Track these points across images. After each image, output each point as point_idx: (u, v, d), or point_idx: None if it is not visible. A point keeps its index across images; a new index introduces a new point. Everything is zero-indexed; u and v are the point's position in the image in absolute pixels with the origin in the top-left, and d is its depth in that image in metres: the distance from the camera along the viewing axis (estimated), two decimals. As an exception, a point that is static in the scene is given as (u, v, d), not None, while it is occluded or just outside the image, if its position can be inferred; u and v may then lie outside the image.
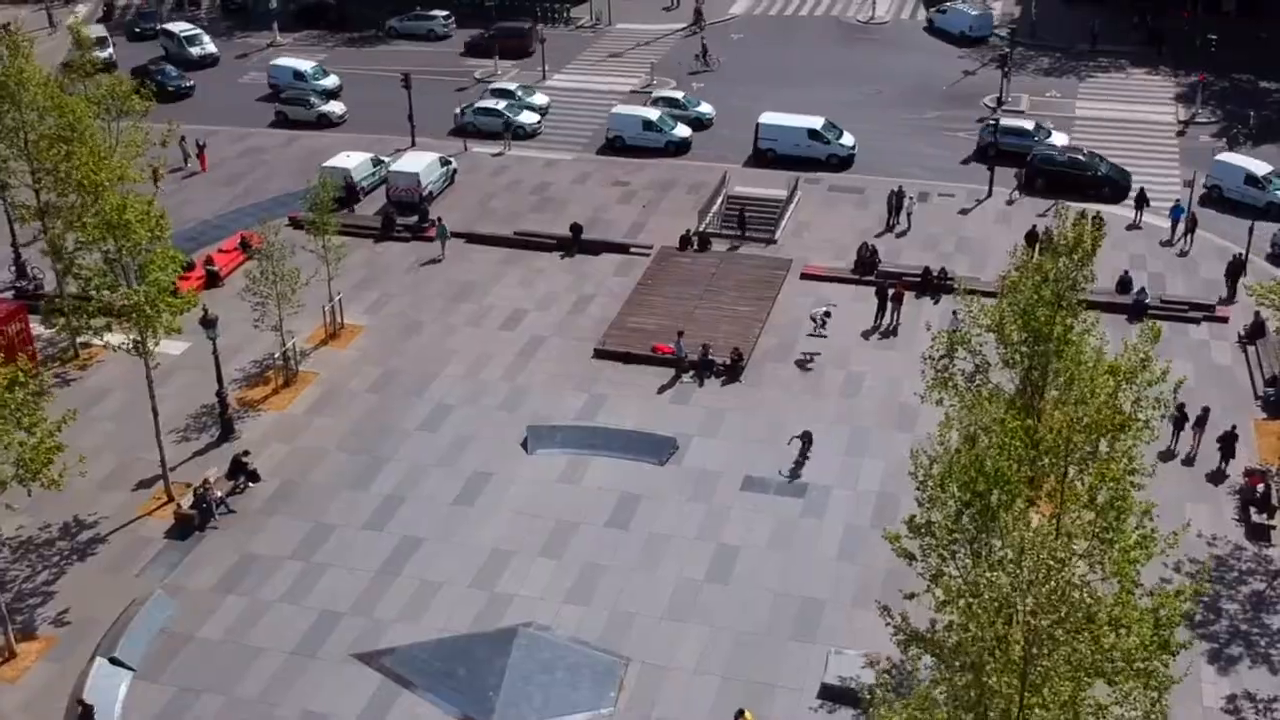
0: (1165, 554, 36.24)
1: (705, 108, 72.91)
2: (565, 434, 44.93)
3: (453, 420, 46.09)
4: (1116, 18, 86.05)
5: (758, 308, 52.90)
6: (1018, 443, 26.39)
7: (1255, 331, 49.49)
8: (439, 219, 59.75)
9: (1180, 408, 42.48)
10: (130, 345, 40.57)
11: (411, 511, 41.32)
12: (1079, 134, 69.91)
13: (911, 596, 27.17)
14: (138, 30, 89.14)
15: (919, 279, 53.95)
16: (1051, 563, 22.49)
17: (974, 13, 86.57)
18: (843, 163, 65.99)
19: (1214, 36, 75.24)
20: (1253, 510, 40.37)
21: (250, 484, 42.46)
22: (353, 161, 63.67)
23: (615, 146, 68.75)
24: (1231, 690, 34.55)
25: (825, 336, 50.61)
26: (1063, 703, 23.11)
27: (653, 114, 69.11)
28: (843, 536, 40.04)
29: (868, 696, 26.65)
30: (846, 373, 48.65)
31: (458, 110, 72.44)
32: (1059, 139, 66.70)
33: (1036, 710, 22.86)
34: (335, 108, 74.02)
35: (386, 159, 65.47)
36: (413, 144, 69.11)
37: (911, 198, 60.47)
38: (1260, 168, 61.66)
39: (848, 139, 66.81)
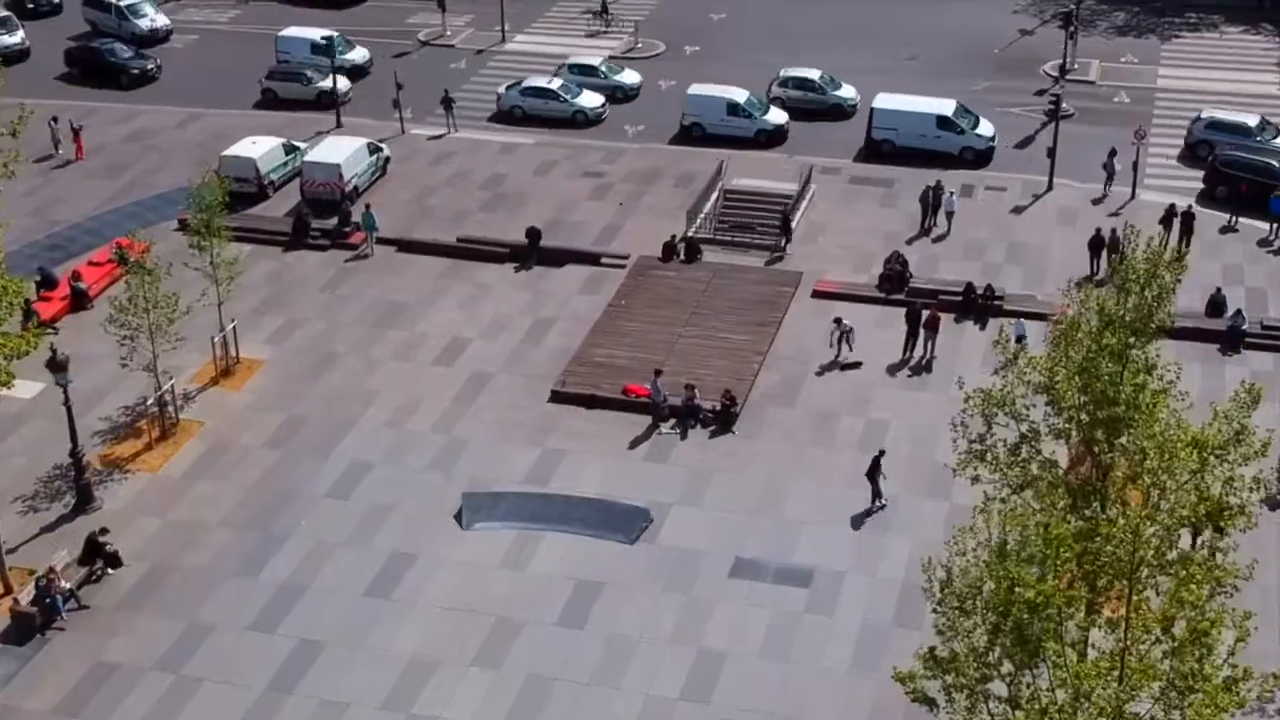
0: (1263, 651, 34.25)
1: (628, 76, 71.61)
2: (510, 503, 42.78)
3: (370, 484, 43.94)
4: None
5: (757, 336, 50.81)
6: (1066, 554, 24.14)
7: (1381, 367, 47.31)
8: (367, 206, 58.26)
9: None
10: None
11: (311, 606, 39.09)
12: (1162, 110, 67.85)
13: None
14: (31, 4, 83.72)
15: (959, 298, 51.84)
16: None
17: None
18: (979, 158, 63.60)
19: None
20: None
21: (109, 570, 40.30)
22: (259, 149, 61.73)
23: (693, 136, 66.35)
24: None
25: (856, 364, 49.09)
26: None
27: (740, 95, 66.54)
28: (858, 639, 37.82)
29: None
30: (866, 420, 46.51)
31: (501, 89, 70.39)
32: None
33: None
34: (341, 84, 70.44)
35: (303, 145, 63.42)
36: (339, 125, 67.20)
37: (952, 193, 58.54)
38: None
39: (985, 128, 64.40)
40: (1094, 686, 23.21)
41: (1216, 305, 51.05)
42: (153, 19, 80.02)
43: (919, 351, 49.59)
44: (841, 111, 68.62)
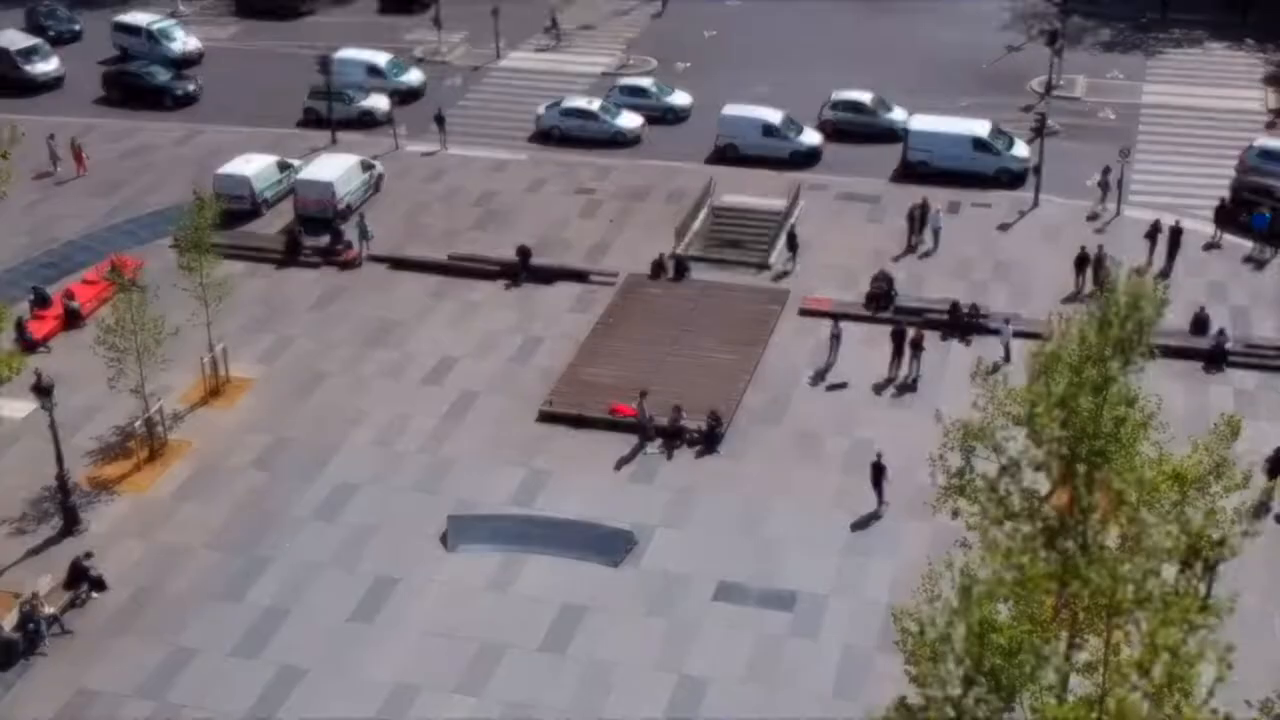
0: (1246, 680, 33.06)
1: (679, 98, 69.81)
2: (495, 526, 41.58)
3: (356, 506, 42.80)
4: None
5: (744, 355, 49.62)
6: (1042, 599, 23.00)
7: (1363, 386, 46.18)
8: (361, 216, 57.45)
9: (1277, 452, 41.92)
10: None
11: (294, 632, 37.92)
12: (1147, 126, 66.71)
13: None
14: (52, 33, 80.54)
15: (946, 316, 50.71)
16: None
17: None
18: (1014, 179, 61.80)
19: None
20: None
21: (95, 593, 39.20)
22: (253, 167, 60.58)
23: (727, 157, 64.57)
24: None
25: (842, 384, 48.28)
26: None
27: (775, 116, 64.94)
28: (840, 664, 36.66)
29: None
30: (851, 439, 45.32)
31: (540, 110, 68.76)
32: None
33: None
34: (380, 103, 69.60)
35: (297, 163, 62.29)
36: (333, 141, 66.13)
37: (938, 210, 57.35)
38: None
39: (1020, 149, 62.55)
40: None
41: (1201, 323, 49.89)
42: (184, 42, 78.31)
43: (904, 370, 48.44)
44: (894, 134, 65.70)
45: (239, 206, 58.46)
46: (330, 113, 67.16)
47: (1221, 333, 49.12)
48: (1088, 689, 23.40)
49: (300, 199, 59.50)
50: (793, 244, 55.89)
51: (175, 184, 62.26)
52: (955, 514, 29.68)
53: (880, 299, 52.03)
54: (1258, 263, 54.97)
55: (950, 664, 22.72)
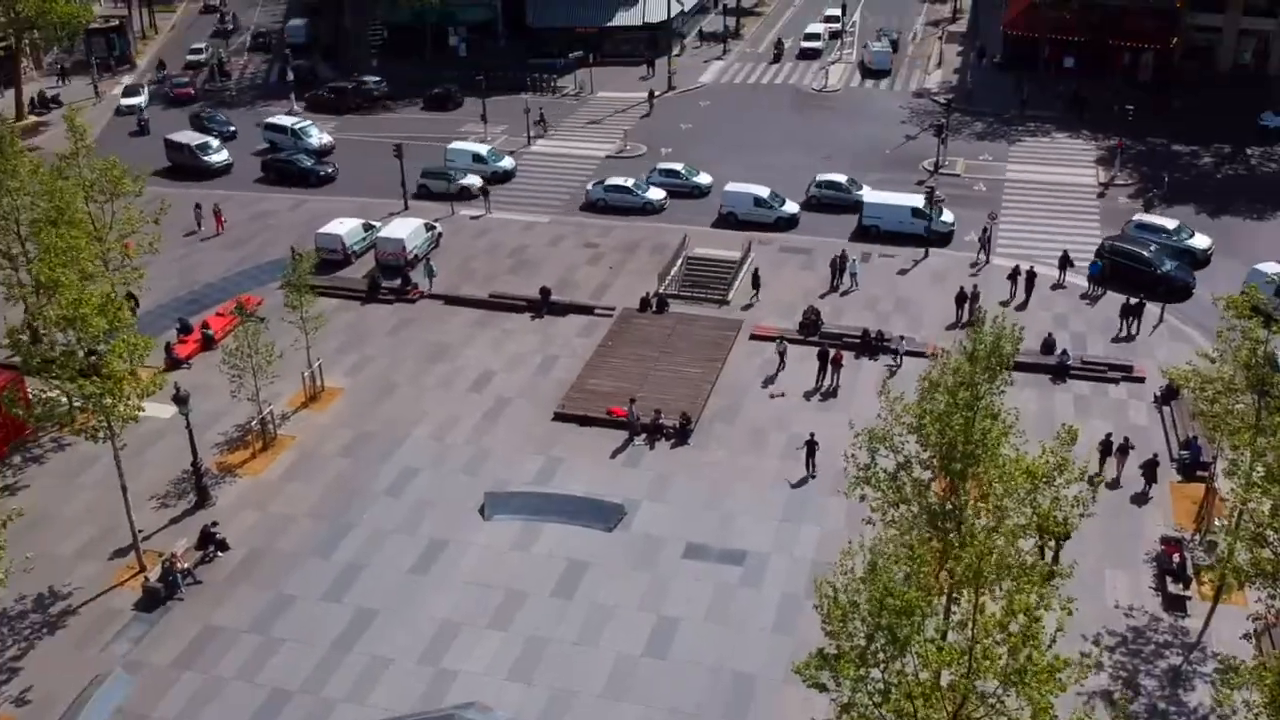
0: (1084, 624, 32.19)
1: (702, 178, 67.74)
2: (520, 500, 40.64)
3: (416, 484, 41.88)
4: (1045, 83, 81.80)
5: (708, 369, 48.61)
6: (926, 570, 22.11)
7: (1169, 394, 45.16)
8: (428, 259, 56.30)
9: (1107, 437, 41.11)
10: (90, 433, 36.40)
11: (369, 581, 37.09)
12: (1009, 196, 65.64)
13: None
14: (214, 132, 77.44)
15: (858, 340, 49.74)
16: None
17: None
18: (942, 239, 59.36)
19: (1131, 106, 70.73)
20: (1169, 580, 35.97)
21: (220, 553, 38.31)
22: (345, 228, 59.49)
23: (728, 222, 62.05)
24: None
25: (780, 394, 46.75)
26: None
27: (763, 191, 62.80)
28: (778, 606, 35.79)
29: None
30: (788, 434, 44.35)
31: (589, 186, 66.62)
32: (1200, 240, 57.17)
33: None
34: (474, 181, 67.07)
35: (377, 224, 61.28)
36: (405, 207, 65.08)
37: (854, 259, 56.27)
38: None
39: (948, 216, 60.21)
40: (949, 668, 21.23)
41: (1048, 345, 48.91)
42: (319, 137, 76.12)
43: (828, 381, 47.47)
44: (862, 207, 62.96)
45: (333, 257, 57.69)
46: (442, 188, 66.18)
47: (1064, 353, 48.14)
48: (961, 641, 22.53)
49: (380, 252, 58.47)
50: (756, 283, 54.73)
51: (289, 239, 61.26)
52: (863, 498, 28.91)
53: (810, 327, 51.00)
54: (1091, 299, 53.96)
55: (857, 622, 21.89)
